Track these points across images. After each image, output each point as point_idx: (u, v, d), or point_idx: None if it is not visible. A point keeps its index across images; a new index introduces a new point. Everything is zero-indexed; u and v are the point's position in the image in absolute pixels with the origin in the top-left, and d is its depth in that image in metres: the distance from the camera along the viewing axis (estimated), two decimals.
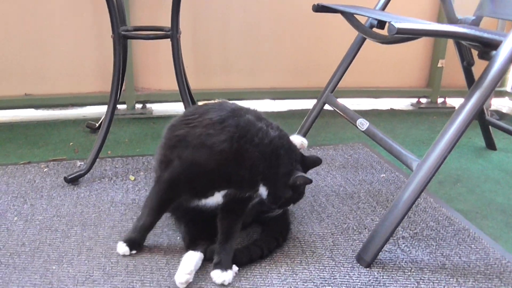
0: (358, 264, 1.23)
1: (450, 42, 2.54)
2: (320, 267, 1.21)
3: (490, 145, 2.15)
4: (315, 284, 1.15)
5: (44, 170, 1.71)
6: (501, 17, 2.04)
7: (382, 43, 1.61)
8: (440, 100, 2.83)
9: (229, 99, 2.45)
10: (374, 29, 1.63)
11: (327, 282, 1.15)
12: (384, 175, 1.77)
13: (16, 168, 1.72)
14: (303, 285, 1.14)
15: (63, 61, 2.35)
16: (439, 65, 2.72)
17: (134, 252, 1.24)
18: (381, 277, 1.18)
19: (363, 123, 1.55)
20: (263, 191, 1.22)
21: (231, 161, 1.17)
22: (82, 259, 1.21)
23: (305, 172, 1.26)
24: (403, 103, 2.84)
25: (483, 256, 1.28)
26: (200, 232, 1.26)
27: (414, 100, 2.85)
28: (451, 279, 1.18)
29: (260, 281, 1.15)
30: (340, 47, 1.90)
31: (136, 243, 1.24)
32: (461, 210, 1.56)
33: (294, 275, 1.17)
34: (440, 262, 1.25)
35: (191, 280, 1.12)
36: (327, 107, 1.84)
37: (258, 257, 1.22)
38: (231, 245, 1.19)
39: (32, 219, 1.39)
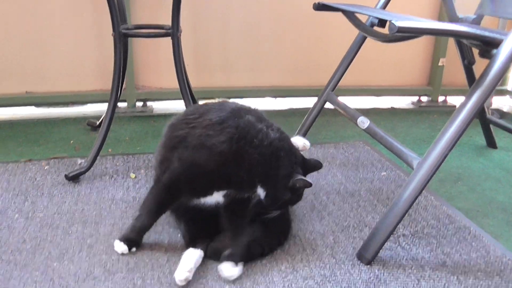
0: (359, 262, 1.23)
1: (451, 41, 2.53)
2: (321, 265, 1.21)
3: (491, 143, 2.15)
4: (315, 281, 1.15)
5: (45, 168, 1.71)
6: (502, 15, 2.04)
7: (383, 41, 1.61)
8: (441, 98, 2.83)
9: (230, 98, 2.48)
10: (375, 28, 1.63)
11: (327, 279, 1.16)
12: (385, 173, 1.78)
13: (17, 166, 1.72)
14: (304, 282, 1.14)
15: (64, 59, 2.35)
16: (440, 63, 2.72)
17: (134, 249, 1.24)
18: (382, 274, 1.18)
19: (364, 122, 1.55)
20: (261, 192, 1.22)
21: (230, 162, 1.18)
22: (83, 256, 1.21)
23: (305, 175, 1.27)
24: (404, 102, 2.84)
25: (484, 254, 1.29)
26: (200, 230, 1.26)
27: (415, 99, 2.84)
28: (451, 277, 1.18)
29: (260, 278, 1.15)
30: (341, 46, 1.90)
31: (134, 243, 1.24)
32: (461, 208, 1.57)
33: (295, 273, 1.18)
34: (440, 259, 1.25)
35: (190, 278, 1.12)
36: (328, 105, 1.84)
37: (259, 254, 1.22)
38: (242, 240, 1.20)
39: (33, 216, 1.39)
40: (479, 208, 1.59)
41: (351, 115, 1.63)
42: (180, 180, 1.21)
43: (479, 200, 1.65)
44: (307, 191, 1.31)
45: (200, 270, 1.17)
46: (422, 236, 1.36)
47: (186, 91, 1.83)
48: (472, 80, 1.95)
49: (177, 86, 1.81)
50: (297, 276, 1.16)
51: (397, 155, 1.37)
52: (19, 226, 1.34)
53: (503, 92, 2.85)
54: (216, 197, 1.23)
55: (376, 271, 1.20)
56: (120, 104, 2.39)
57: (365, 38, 1.79)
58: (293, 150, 1.27)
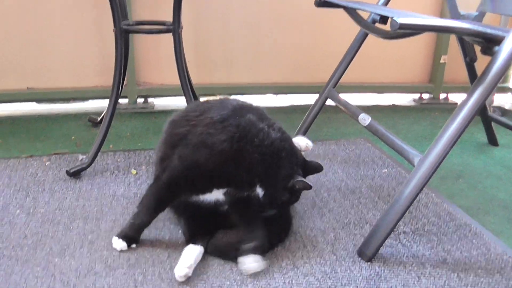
0: (360, 259, 1.23)
1: (453, 38, 2.53)
2: (322, 261, 1.21)
3: (492, 141, 2.15)
4: (316, 278, 1.15)
5: (46, 163, 1.72)
6: (504, 13, 2.04)
7: (385, 38, 1.61)
8: (442, 96, 2.82)
9: (231, 94, 2.48)
10: (377, 25, 1.62)
11: (328, 276, 1.16)
12: (386, 170, 1.77)
13: (18, 162, 1.72)
14: (304, 279, 1.14)
15: (65, 55, 2.35)
16: (442, 60, 2.72)
17: (133, 246, 1.24)
18: (382, 271, 1.18)
19: (365, 118, 1.55)
20: (259, 191, 1.22)
21: (230, 162, 1.18)
22: (84, 252, 1.21)
23: (305, 177, 1.27)
24: (405, 99, 2.83)
25: (484, 251, 1.29)
26: (201, 226, 1.26)
27: (416, 96, 2.84)
28: (452, 274, 1.18)
29: (261, 275, 1.15)
30: (342, 42, 1.90)
31: (133, 239, 1.24)
32: (462, 205, 1.56)
33: (296, 269, 1.18)
34: (441, 257, 1.25)
35: (190, 274, 1.12)
36: (329, 102, 1.83)
37: (259, 250, 1.22)
38: (260, 233, 1.20)
39: (35, 212, 1.39)
40: (480, 206, 1.59)
41: (352, 112, 1.63)
42: (180, 178, 1.21)
43: (480, 198, 1.65)
44: None
45: (200, 266, 1.17)
46: (423, 233, 1.36)
47: (187, 88, 1.83)
48: (473, 78, 1.94)
49: (178, 82, 1.81)
50: (297, 272, 1.17)
51: (398, 152, 1.37)
52: (20, 221, 1.34)
53: (504, 90, 2.85)
54: (216, 195, 1.23)
55: (377, 268, 1.20)
56: (121, 100, 2.39)
57: (366, 35, 1.79)
58: (294, 151, 1.27)
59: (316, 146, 1.96)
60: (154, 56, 2.45)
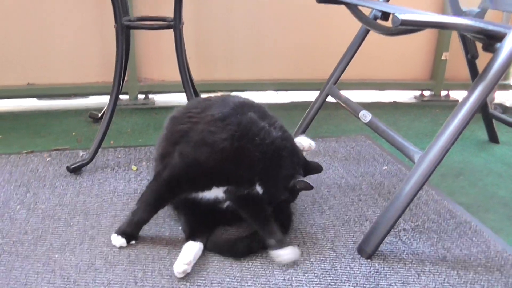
0: (359, 256, 1.23)
1: (454, 35, 2.52)
2: (321, 258, 1.21)
3: (493, 138, 2.15)
4: (316, 275, 1.15)
5: (47, 159, 1.72)
6: (506, 9, 2.03)
7: (386, 34, 1.60)
8: (443, 93, 2.82)
9: (232, 91, 2.48)
10: (378, 21, 1.62)
11: (328, 273, 1.16)
12: (386, 167, 1.77)
13: (19, 158, 1.72)
14: (304, 275, 1.15)
15: (66, 51, 2.35)
16: (443, 57, 2.71)
17: (133, 242, 1.24)
18: (382, 268, 1.18)
19: (365, 115, 1.54)
20: (259, 189, 1.22)
21: (231, 160, 1.18)
22: (85, 248, 1.21)
23: (304, 176, 1.27)
24: (406, 96, 2.83)
25: (484, 249, 1.29)
26: (200, 223, 1.27)
27: (417, 93, 2.84)
28: (451, 272, 1.18)
29: (261, 271, 1.15)
30: (343, 39, 1.89)
31: (132, 236, 1.24)
32: (463, 203, 1.56)
33: (295, 266, 1.18)
34: (441, 254, 1.25)
35: (189, 270, 1.13)
36: (330, 99, 1.83)
37: (259, 247, 1.22)
38: (273, 227, 1.20)
39: (35, 207, 1.39)
40: (480, 203, 1.59)
41: (353, 109, 1.63)
42: (180, 176, 1.21)
43: (480, 195, 1.65)
44: None
45: (200, 263, 1.17)
46: (423, 230, 1.36)
47: (188, 84, 1.82)
48: (475, 75, 1.94)
49: (179, 78, 1.81)
50: (297, 269, 1.17)
51: (399, 149, 1.37)
52: (21, 217, 1.34)
53: (506, 87, 2.85)
54: (216, 192, 1.23)
55: (377, 265, 1.20)
56: (122, 97, 2.39)
57: (368, 31, 1.78)
58: (296, 151, 1.27)
59: (316, 143, 1.94)
60: (155, 52, 2.44)
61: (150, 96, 2.51)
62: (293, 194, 1.27)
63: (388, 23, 1.28)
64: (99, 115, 2.16)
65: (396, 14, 1.11)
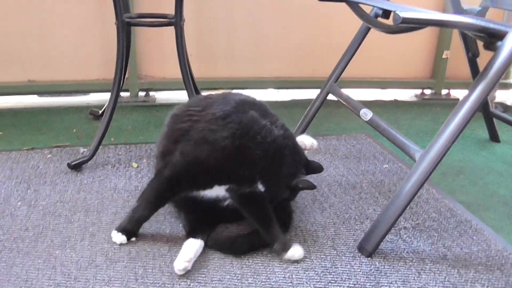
0: (360, 254, 1.23)
1: (455, 33, 2.52)
2: (322, 256, 1.21)
3: (494, 137, 2.15)
4: (316, 272, 1.15)
5: (48, 156, 1.72)
6: (507, 8, 2.03)
7: (387, 32, 1.60)
8: (444, 91, 2.82)
9: (232, 88, 2.47)
10: (379, 19, 1.62)
11: (328, 271, 1.16)
12: (387, 165, 1.77)
13: (20, 154, 1.72)
14: (305, 273, 1.15)
15: (67, 48, 2.35)
16: (444, 56, 2.71)
17: (133, 239, 1.24)
18: (382, 266, 1.18)
19: (366, 113, 1.54)
20: (260, 188, 1.22)
21: (232, 158, 1.18)
22: (85, 245, 1.22)
23: (305, 176, 1.27)
24: (407, 94, 2.83)
25: (485, 247, 1.29)
26: (201, 220, 1.27)
27: (418, 91, 2.83)
28: (452, 270, 1.18)
29: (261, 269, 1.15)
30: (344, 37, 1.89)
31: (132, 233, 1.24)
32: (463, 201, 1.56)
33: (296, 264, 1.18)
34: (441, 253, 1.25)
35: (189, 268, 1.12)
36: (330, 97, 1.83)
37: (260, 245, 1.23)
38: (278, 227, 1.21)
39: (36, 204, 1.40)
40: (481, 202, 1.59)
41: (354, 107, 1.63)
42: (181, 174, 1.21)
43: (481, 194, 1.65)
44: None
45: (201, 260, 1.17)
46: (423, 229, 1.36)
47: (188, 81, 1.82)
48: (476, 73, 1.94)
49: (180, 76, 1.81)
50: (298, 267, 1.17)
51: (400, 147, 1.37)
52: (21, 214, 1.34)
53: (507, 86, 2.84)
54: (217, 191, 1.23)
55: (377, 263, 1.20)
56: (122, 94, 2.39)
57: (368, 29, 1.78)
58: (297, 149, 1.27)
59: (317, 141, 1.95)
60: (155, 49, 2.44)
61: (151, 93, 2.51)
62: (294, 192, 1.28)
63: (389, 21, 1.27)
64: (100, 112, 2.16)
65: (397, 12, 1.11)
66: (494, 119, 2.11)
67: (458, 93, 2.79)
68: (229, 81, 2.54)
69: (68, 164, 1.61)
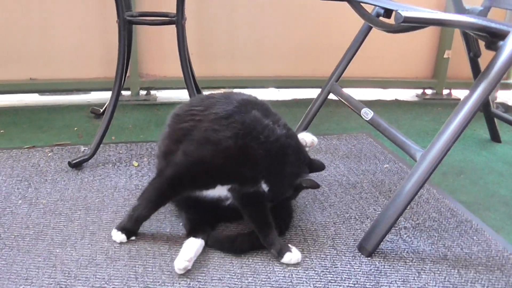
0: (360, 253, 1.23)
1: (457, 33, 2.51)
2: (322, 256, 1.21)
3: (495, 137, 2.15)
4: (316, 272, 1.15)
5: (49, 154, 1.72)
6: (510, 7, 2.02)
7: (388, 32, 1.60)
8: (445, 91, 2.81)
9: (233, 87, 2.47)
10: (381, 18, 1.62)
11: (328, 270, 1.16)
12: (388, 165, 1.77)
13: (20, 152, 1.72)
14: (304, 273, 1.15)
15: (68, 46, 2.35)
16: (445, 56, 2.71)
17: (133, 238, 1.24)
18: (382, 266, 1.18)
19: (367, 113, 1.54)
20: (264, 187, 1.22)
21: (235, 158, 1.18)
22: (86, 243, 1.22)
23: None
24: (408, 94, 2.83)
25: (485, 247, 1.29)
26: (202, 219, 1.27)
27: (419, 91, 2.83)
28: (452, 270, 1.18)
29: (261, 268, 1.15)
30: (345, 36, 1.89)
31: (132, 232, 1.24)
32: (464, 201, 1.56)
33: (296, 263, 1.18)
34: (441, 253, 1.25)
35: (190, 267, 1.12)
36: (331, 96, 1.83)
37: (260, 244, 1.23)
38: (275, 231, 1.20)
39: (36, 202, 1.40)
40: (481, 202, 1.59)
41: (355, 106, 1.63)
42: (184, 175, 1.21)
43: (482, 194, 1.65)
44: None
45: (201, 259, 1.17)
46: (424, 229, 1.36)
47: (190, 80, 1.82)
48: (477, 73, 1.93)
49: (181, 75, 1.81)
50: (297, 266, 1.17)
51: (400, 146, 1.37)
52: (22, 212, 1.35)
53: (508, 86, 2.84)
54: (219, 191, 1.23)
55: (377, 263, 1.20)
56: (123, 92, 2.40)
57: (370, 28, 1.78)
58: (300, 149, 1.27)
59: (318, 140, 1.96)
60: (157, 48, 2.44)
61: (152, 92, 2.51)
62: (297, 191, 1.28)
63: (391, 21, 1.27)
64: (101, 110, 2.16)
65: (399, 11, 1.11)
66: (495, 119, 2.10)
67: (460, 93, 2.79)
68: (230, 80, 2.54)
69: (69, 163, 1.61)
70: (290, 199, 1.33)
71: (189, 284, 1.09)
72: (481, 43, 1.64)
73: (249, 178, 1.21)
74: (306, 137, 1.39)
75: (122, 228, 1.23)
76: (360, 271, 1.17)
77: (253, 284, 1.10)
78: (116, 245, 1.22)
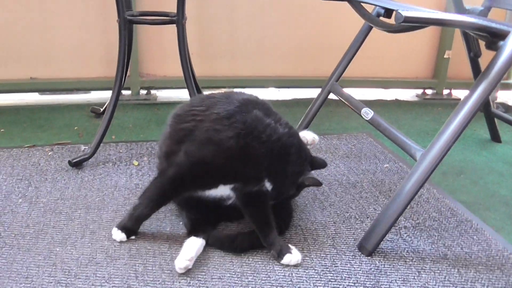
0: (360, 253, 1.23)
1: (457, 33, 2.52)
2: (322, 255, 1.21)
3: (495, 137, 2.15)
4: (316, 271, 1.15)
5: (49, 153, 1.72)
6: (510, 7, 2.02)
7: (389, 32, 1.60)
8: (445, 91, 2.81)
9: (234, 87, 2.48)
10: (381, 18, 1.62)
11: (328, 269, 1.16)
12: (388, 165, 1.77)
13: (21, 151, 1.72)
14: (305, 272, 1.15)
15: (68, 46, 2.35)
16: (446, 56, 2.71)
17: (133, 237, 1.24)
18: (382, 265, 1.18)
19: (367, 112, 1.54)
20: (268, 186, 1.23)
21: (237, 158, 1.18)
22: (86, 242, 1.22)
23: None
24: (409, 94, 2.83)
25: (485, 247, 1.29)
26: (203, 219, 1.27)
27: (420, 91, 2.83)
28: (452, 270, 1.18)
29: (261, 267, 1.15)
30: (346, 36, 1.89)
31: (132, 231, 1.24)
32: (464, 201, 1.56)
33: (295, 264, 1.18)
34: (441, 252, 1.25)
35: (191, 266, 1.12)
36: (332, 96, 1.83)
37: (260, 243, 1.23)
38: (276, 232, 1.20)
39: (37, 201, 1.40)
40: (481, 202, 1.59)
41: (355, 106, 1.63)
42: (186, 175, 1.21)
43: (482, 194, 1.65)
44: None
45: (201, 258, 1.17)
46: (424, 228, 1.36)
47: (190, 80, 1.82)
48: (477, 73, 1.93)
49: (181, 74, 1.81)
50: (297, 265, 1.17)
51: (400, 146, 1.37)
52: (22, 210, 1.35)
53: (508, 86, 2.84)
54: (222, 190, 1.23)
55: (377, 262, 1.20)
56: (124, 92, 2.40)
57: (370, 28, 1.78)
58: (303, 147, 1.27)
59: (318, 139, 1.96)
60: (157, 48, 2.44)
61: (152, 91, 2.51)
62: (299, 189, 1.28)
63: (391, 20, 1.27)
64: (101, 110, 2.16)
65: (399, 11, 1.11)
66: (496, 119, 2.10)
67: (460, 93, 2.79)
68: (230, 80, 2.54)
69: (69, 162, 1.61)
70: (292, 197, 1.34)
71: (189, 283, 1.09)
72: (482, 43, 1.64)
73: (252, 178, 1.21)
74: (307, 135, 1.39)
75: (122, 227, 1.23)
76: (360, 270, 1.17)
77: (253, 283, 1.10)
78: (116, 244, 1.22)
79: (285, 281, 1.11)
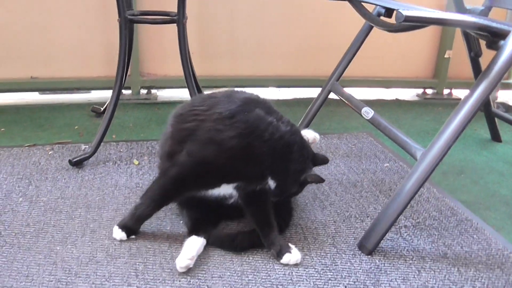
0: (360, 252, 1.23)
1: (458, 33, 2.51)
2: (322, 254, 1.22)
3: (496, 137, 2.15)
4: (316, 270, 1.15)
5: (49, 152, 1.72)
6: (511, 7, 2.02)
7: (389, 31, 1.60)
8: (446, 91, 2.81)
9: (234, 86, 2.46)
10: (382, 18, 1.62)
11: (328, 268, 1.16)
12: (388, 164, 1.77)
13: (21, 150, 1.73)
14: (305, 271, 1.15)
15: (69, 45, 2.35)
16: (446, 55, 2.70)
17: (133, 237, 1.24)
18: (383, 264, 1.19)
19: (368, 112, 1.54)
20: (271, 183, 1.23)
21: (239, 157, 1.18)
22: (86, 241, 1.22)
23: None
24: (409, 94, 2.83)
25: (485, 246, 1.29)
26: (204, 218, 1.27)
27: (420, 91, 2.83)
28: (452, 269, 1.18)
29: (261, 266, 1.16)
30: (346, 36, 1.89)
31: (132, 231, 1.24)
32: (464, 201, 1.56)
33: (295, 264, 1.18)
34: (441, 251, 1.25)
35: (191, 265, 1.12)
36: (332, 95, 1.83)
37: (260, 242, 1.23)
38: (276, 231, 1.20)
39: (37, 200, 1.40)
40: (482, 201, 1.59)
41: (356, 105, 1.63)
42: (188, 175, 1.21)
43: (482, 193, 1.65)
44: None
45: (201, 257, 1.17)
46: (424, 227, 1.36)
47: (190, 79, 1.82)
48: (478, 73, 1.93)
49: (182, 74, 1.81)
50: (298, 264, 1.17)
51: (401, 145, 1.37)
52: (23, 209, 1.35)
53: (509, 86, 2.84)
54: (225, 189, 1.23)
55: (377, 261, 1.20)
56: (124, 91, 2.40)
57: (371, 28, 1.78)
58: (305, 145, 1.28)
59: (319, 137, 1.96)
60: (158, 47, 2.44)
61: (153, 91, 2.51)
62: (302, 187, 1.28)
63: (392, 20, 1.27)
64: (102, 109, 2.17)
65: (399, 10, 1.11)
66: (496, 119, 2.10)
67: (460, 93, 2.79)
68: (230, 79, 2.54)
69: (70, 161, 1.61)
70: (295, 194, 1.34)
71: (189, 281, 1.09)
72: (482, 43, 1.64)
73: (255, 176, 1.21)
74: (308, 134, 1.39)
75: (123, 226, 1.23)
76: (360, 269, 1.17)
77: (253, 281, 1.10)
78: (117, 242, 1.22)
79: (285, 279, 1.11)
